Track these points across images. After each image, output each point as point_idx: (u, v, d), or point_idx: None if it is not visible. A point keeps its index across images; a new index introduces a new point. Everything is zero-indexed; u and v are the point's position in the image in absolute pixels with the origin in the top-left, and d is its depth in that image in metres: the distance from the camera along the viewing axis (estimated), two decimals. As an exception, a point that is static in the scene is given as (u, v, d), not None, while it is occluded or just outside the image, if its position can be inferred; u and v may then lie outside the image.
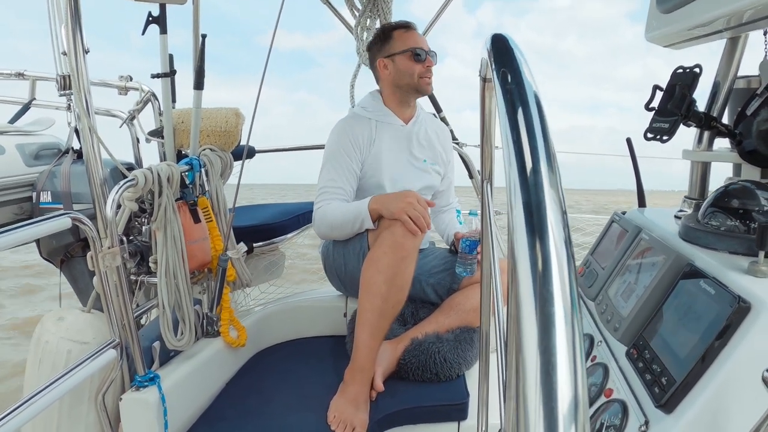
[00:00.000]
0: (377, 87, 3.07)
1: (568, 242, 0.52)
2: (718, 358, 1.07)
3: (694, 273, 1.26)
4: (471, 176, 4.19)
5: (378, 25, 3.67)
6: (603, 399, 1.40)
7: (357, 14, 3.76)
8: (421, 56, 2.85)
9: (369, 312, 2.38)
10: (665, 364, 1.17)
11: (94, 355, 1.97)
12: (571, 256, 0.51)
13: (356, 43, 3.77)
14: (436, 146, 3.09)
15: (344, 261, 2.79)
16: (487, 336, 1.59)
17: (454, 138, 3.94)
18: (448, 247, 3.08)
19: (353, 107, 3.10)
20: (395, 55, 2.88)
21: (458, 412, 2.32)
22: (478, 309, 2.60)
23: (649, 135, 1.60)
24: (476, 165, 4.18)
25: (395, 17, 3.69)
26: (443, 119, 3.86)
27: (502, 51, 0.80)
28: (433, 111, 3.98)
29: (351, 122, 2.90)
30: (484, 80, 1.26)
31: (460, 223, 3.08)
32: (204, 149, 2.63)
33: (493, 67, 0.77)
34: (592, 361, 1.47)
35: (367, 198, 2.62)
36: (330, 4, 3.99)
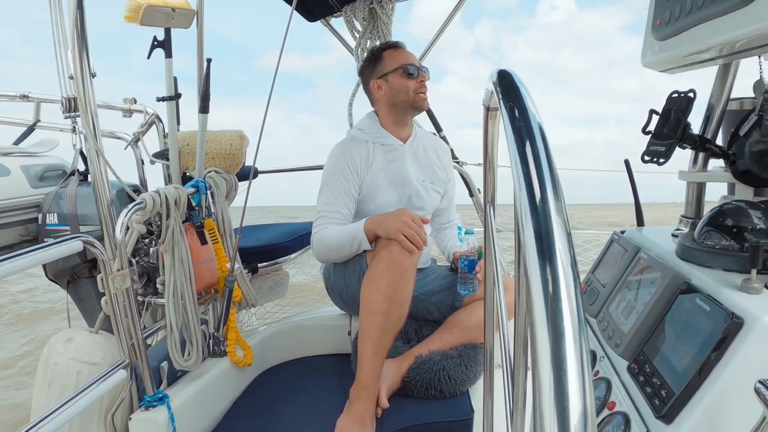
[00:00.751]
0: (373, 108, 3.08)
1: (574, 264, 0.56)
2: (713, 371, 1.11)
3: (690, 290, 1.30)
4: (471, 194, 4.22)
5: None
6: (606, 412, 1.43)
7: (357, 36, 3.81)
8: (413, 72, 2.88)
9: (371, 330, 2.40)
10: (665, 377, 1.21)
11: (104, 376, 1.99)
12: (576, 277, 0.55)
13: (357, 63, 3.81)
14: (435, 164, 3.09)
15: (345, 282, 2.81)
16: (491, 352, 1.61)
17: (454, 157, 3.97)
18: (449, 264, 3.11)
19: (351, 128, 3.11)
20: (388, 74, 2.89)
21: (463, 428, 2.34)
22: (481, 326, 2.64)
23: (646, 158, 1.64)
24: (476, 183, 4.22)
25: (394, 38, 3.73)
26: (443, 138, 3.88)
27: (508, 86, 0.84)
28: (433, 130, 4.02)
29: (349, 145, 2.91)
30: (488, 109, 1.31)
31: (461, 240, 3.10)
32: (209, 171, 2.66)
33: (501, 100, 0.81)
34: (595, 375, 1.51)
35: (363, 219, 2.63)
36: (331, 26, 4.03)
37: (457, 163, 4.09)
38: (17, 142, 3.72)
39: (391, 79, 2.89)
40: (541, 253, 0.56)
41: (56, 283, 3.29)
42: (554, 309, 0.52)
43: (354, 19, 3.81)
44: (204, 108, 2.52)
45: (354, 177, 2.83)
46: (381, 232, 2.51)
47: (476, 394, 2.55)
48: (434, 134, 3.70)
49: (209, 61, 2.51)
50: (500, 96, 0.83)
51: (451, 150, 3.68)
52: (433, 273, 3.02)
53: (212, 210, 2.59)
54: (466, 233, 2.81)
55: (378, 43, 3.72)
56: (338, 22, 4.00)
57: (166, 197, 2.19)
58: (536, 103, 0.78)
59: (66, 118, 3.09)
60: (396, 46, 2.98)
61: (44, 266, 3.18)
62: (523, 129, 0.72)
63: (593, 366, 1.54)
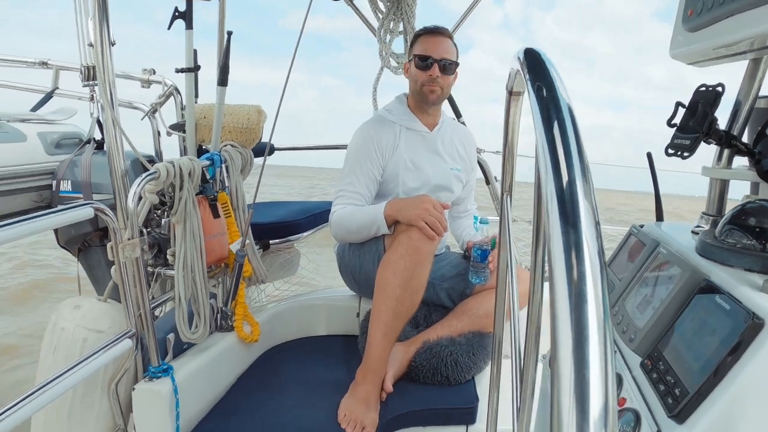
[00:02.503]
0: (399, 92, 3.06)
1: (601, 252, 0.53)
2: (730, 371, 1.08)
3: (709, 288, 1.27)
4: (488, 182, 4.19)
5: (401, 28, 3.68)
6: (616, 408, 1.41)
7: (381, 17, 3.77)
8: (426, 64, 2.81)
9: (383, 313, 2.39)
10: (679, 375, 1.18)
11: (109, 344, 1.99)
12: (603, 267, 0.52)
13: (379, 45, 3.77)
14: (461, 153, 3.07)
15: (360, 262, 2.80)
16: (500, 341, 1.59)
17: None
18: (462, 252, 3.09)
19: (377, 110, 3.08)
20: (412, 59, 2.86)
21: (467, 416, 2.34)
22: (491, 314, 2.63)
23: (670, 151, 1.61)
24: (493, 172, 4.19)
25: (425, 11, 3.69)
26: (462, 123, 3.83)
27: (536, 65, 0.81)
28: (453, 115, 3.99)
29: (375, 126, 2.88)
30: (511, 93, 1.27)
31: (476, 229, 3.08)
32: (225, 145, 2.65)
33: (528, 80, 0.78)
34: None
35: (383, 203, 2.61)
36: (354, 5, 3.99)
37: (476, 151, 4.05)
38: (35, 108, 3.73)
39: (412, 64, 2.86)
40: (567, 244, 0.53)
41: (67, 250, 3.29)
42: (578, 301, 0.49)
43: (378, 0, 3.76)
44: (223, 81, 2.50)
45: (378, 159, 2.81)
46: (401, 218, 2.49)
47: (481, 382, 2.54)
48: (455, 119, 3.66)
49: (230, 33, 2.49)
50: (527, 76, 0.80)
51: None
52: (446, 259, 3.01)
53: (226, 184, 2.58)
54: (481, 222, 2.78)
55: (401, 24, 3.68)
56: (362, 2, 3.97)
57: (180, 168, 2.17)
58: (565, 84, 0.75)
59: (84, 86, 3.08)
60: (431, 31, 2.89)
61: (56, 233, 3.19)
62: (552, 110, 0.69)
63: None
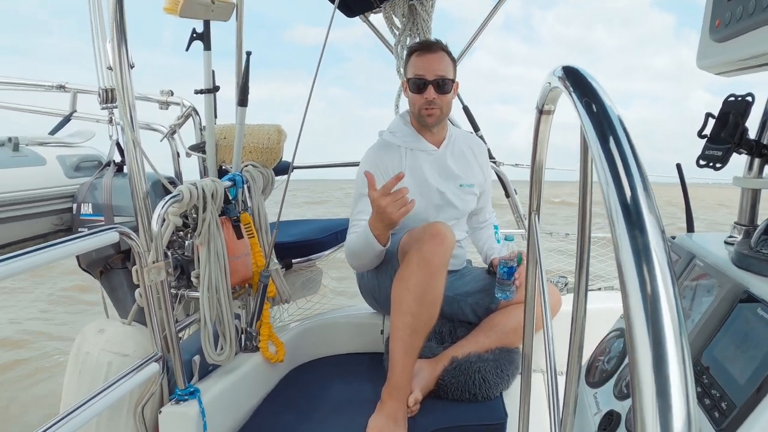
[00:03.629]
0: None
1: (670, 266, 0.53)
2: None
3: (750, 300, 1.25)
4: (507, 195, 4.17)
5: (418, 42, 3.69)
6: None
7: (397, 33, 3.76)
8: (419, 86, 2.72)
9: (401, 330, 2.37)
10: (725, 389, 1.15)
11: (135, 368, 1.98)
12: (674, 279, 0.52)
13: (396, 62, 3.77)
14: (472, 165, 3.00)
15: (377, 282, 2.78)
16: (530, 357, 1.58)
17: (491, 157, 3.92)
18: (486, 266, 3.05)
19: (383, 131, 3.01)
20: (407, 80, 2.79)
21: None
22: (518, 329, 2.62)
23: (702, 162, 1.58)
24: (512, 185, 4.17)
25: (440, 24, 3.69)
26: (481, 137, 3.80)
27: (580, 81, 0.81)
28: (470, 129, 3.97)
29: (380, 153, 2.84)
30: (541, 112, 1.26)
31: (498, 241, 3.05)
32: (246, 165, 2.64)
33: (575, 96, 0.77)
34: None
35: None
36: (370, 23, 4.00)
37: (494, 162, 4.03)
38: (53, 132, 3.74)
39: (408, 86, 2.80)
40: (639, 265, 0.53)
41: (89, 273, 3.29)
42: (654, 317, 0.50)
43: (393, 16, 3.76)
44: (243, 101, 2.51)
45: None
46: (376, 220, 2.43)
47: (509, 397, 2.53)
48: (471, 133, 3.64)
49: (249, 54, 2.49)
50: (573, 93, 0.79)
51: (488, 150, 3.63)
52: (470, 274, 2.97)
53: (248, 204, 2.57)
54: (506, 239, 2.75)
55: (418, 39, 3.67)
56: (377, 19, 3.97)
57: (203, 190, 2.17)
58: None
59: (103, 109, 3.09)
60: (421, 49, 2.79)
61: (77, 256, 3.18)
62: (605, 125, 0.68)
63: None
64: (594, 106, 0.72)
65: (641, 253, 0.53)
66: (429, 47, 2.77)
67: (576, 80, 0.82)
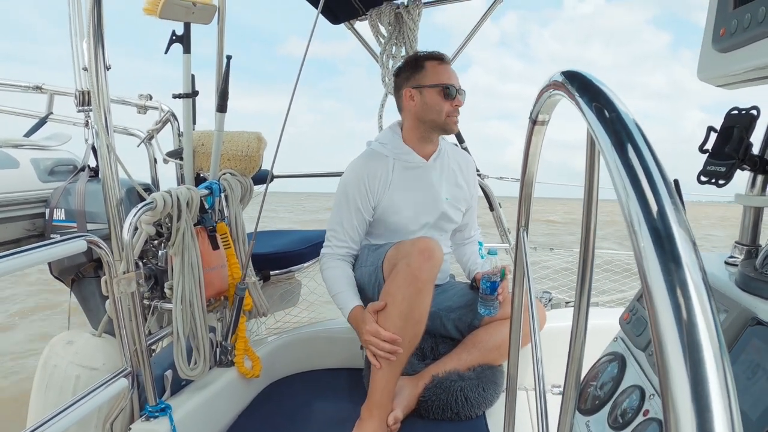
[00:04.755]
0: (399, 117, 2.94)
1: (707, 283, 0.47)
2: None
3: (760, 327, 1.18)
4: (492, 209, 4.13)
5: (404, 52, 3.62)
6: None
7: (382, 41, 3.71)
8: (451, 94, 2.71)
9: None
10: None
11: (104, 383, 1.91)
12: (711, 298, 0.47)
13: (381, 71, 3.72)
14: (459, 180, 2.95)
15: (362, 295, 2.71)
16: (515, 374, 1.52)
17: (476, 170, 3.88)
18: (469, 282, 2.99)
19: (372, 141, 2.96)
20: (425, 87, 2.72)
21: None
22: (501, 347, 2.57)
23: (704, 178, 1.52)
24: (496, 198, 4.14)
25: (426, 34, 3.65)
26: (465, 149, 3.75)
27: (586, 85, 0.74)
28: (455, 141, 3.92)
29: (367, 162, 2.78)
30: (534, 122, 1.20)
31: (482, 257, 2.99)
32: (224, 173, 2.57)
33: (583, 102, 0.70)
34: (644, 415, 1.38)
35: (352, 305, 2.57)
36: (355, 30, 3.96)
37: (479, 176, 3.98)
38: (29, 134, 3.66)
39: (426, 93, 2.73)
40: (670, 281, 0.47)
41: (60, 280, 3.21)
42: (691, 341, 0.44)
43: (379, 24, 3.72)
44: (222, 107, 2.43)
45: (369, 197, 2.72)
46: (354, 325, 2.55)
47: (492, 416, 2.49)
48: (456, 145, 3.59)
49: (229, 58, 2.42)
50: (579, 98, 0.72)
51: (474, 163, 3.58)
52: (452, 289, 2.91)
53: (225, 214, 2.50)
54: (489, 253, 2.69)
55: (404, 49, 3.63)
56: (362, 26, 3.92)
57: (178, 198, 2.10)
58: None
59: (79, 111, 3.01)
60: (442, 59, 2.80)
61: (49, 264, 3.10)
62: (621, 131, 0.61)
63: (641, 405, 1.41)
64: (606, 112, 0.65)
65: (675, 283, 0.47)
66: (444, 58, 2.80)
67: (583, 84, 0.74)
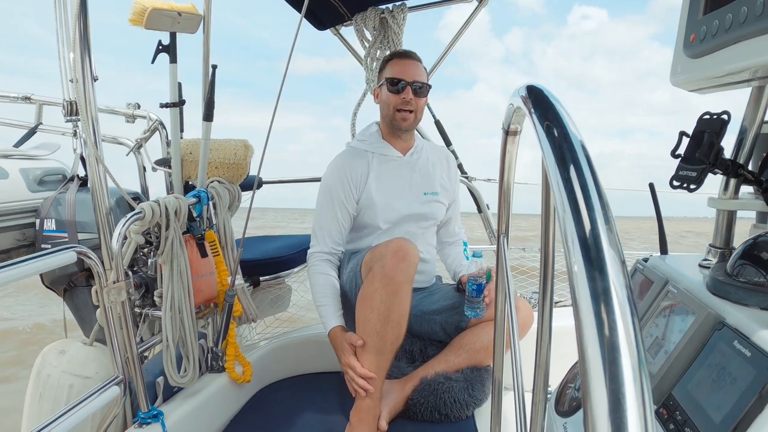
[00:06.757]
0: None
1: (633, 303, 0.50)
2: (754, 423, 1.02)
3: (726, 331, 1.21)
4: (480, 210, 4.15)
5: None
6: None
7: (367, 45, 3.75)
8: (398, 87, 2.75)
9: (366, 352, 2.35)
10: (699, 427, 1.11)
11: (96, 392, 1.92)
12: (635, 315, 0.49)
13: (366, 73, 3.76)
14: (437, 176, 2.98)
15: (344, 300, 2.73)
16: (501, 377, 1.54)
17: (463, 172, 3.91)
18: (455, 283, 3.01)
19: (352, 139, 3.02)
20: (382, 84, 2.81)
21: None
22: (489, 348, 2.58)
23: (676, 183, 1.55)
24: (485, 199, 4.15)
25: (410, 38, 3.69)
26: (452, 152, 3.78)
27: (542, 102, 0.77)
28: (442, 143, 3.96)
29: (347, 158, 2.83)
30: (507, 132, 1.22)
31: (467, 258, 3.01)
32: (212, 181, 2.59)
33: (536, 118, 0.73)
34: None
35: (331, 324, 2.59)
36: (341, 35, 3.99)
37: (466, 177, 4.01)
38: (18, 144, 3.67)
39: (382, 89, 2.82)
40: (595, 292, 0.50)
41: (52, 290, 3.22)
42: (612, 358, 0.47)
43: (364, 29, 3.76)
44: (208, 116, 2.45)
45: (352, 192, 2.77)
46: (334, 345, 2.56)
47: (481, 417, 2.50)
48: (442, 146, 3.61)
49: (215, 67, 2.44)
50: (534, 114, 0.75)
51: (460, 165, 3.61)
52: (438, 291, 2.93)
53: (214, 221, 2.52)
54: (474, 255, 2.72)
55: (388, 52, 3.66)
56: (348, 31, 3.95)
57: (166, 207, 2.12)
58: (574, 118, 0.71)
59: (67, 121, 3.02)
60: (401, 55, 2.85)
61: (40, 274, 3.11)
62: (566, 150, 0.64)
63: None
64: (555, 130, 0.68)
65: (600, 297, 0.49)
66: (406, 55, 2.84)
67: (537, 101, 0.77)
